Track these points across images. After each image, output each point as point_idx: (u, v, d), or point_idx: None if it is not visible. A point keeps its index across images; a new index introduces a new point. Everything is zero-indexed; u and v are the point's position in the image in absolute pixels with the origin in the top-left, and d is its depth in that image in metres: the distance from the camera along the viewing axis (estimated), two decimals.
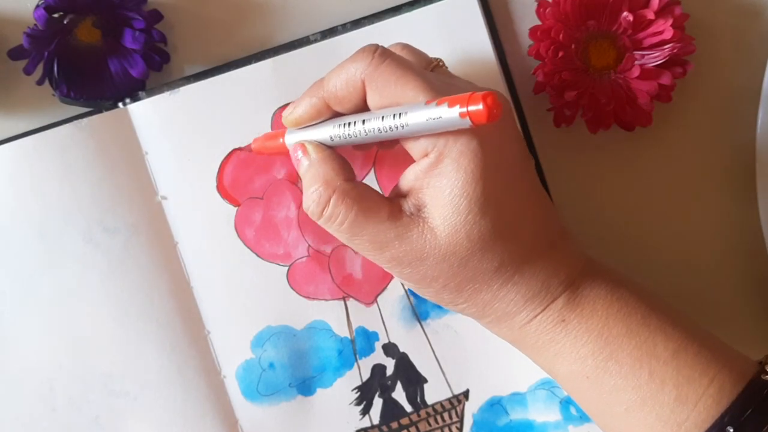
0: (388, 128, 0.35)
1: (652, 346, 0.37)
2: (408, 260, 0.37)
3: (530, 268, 0.37)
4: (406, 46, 0.39)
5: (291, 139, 0.40)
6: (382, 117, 0.35)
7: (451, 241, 0.36)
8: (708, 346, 0.37)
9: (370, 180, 0.45)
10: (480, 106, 0.32)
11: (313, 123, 0.39)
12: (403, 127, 0.35)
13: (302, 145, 0.39)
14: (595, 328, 0.37)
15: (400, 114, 0.35)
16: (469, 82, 0.40)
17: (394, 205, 0.37)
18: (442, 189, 0.35)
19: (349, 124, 0.37)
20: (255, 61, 0.44)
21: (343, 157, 0.38)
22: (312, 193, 0.37)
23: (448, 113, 0.33)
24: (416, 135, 0.36)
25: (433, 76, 0.37)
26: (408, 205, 0.37)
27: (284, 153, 0.41)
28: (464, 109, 0.32)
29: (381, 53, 0.36)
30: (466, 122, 0.32)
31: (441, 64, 0.40)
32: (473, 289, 0.37)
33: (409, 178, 0.37)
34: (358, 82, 0.36)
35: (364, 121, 0.36)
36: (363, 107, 0.37)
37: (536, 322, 0.38)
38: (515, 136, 0.38)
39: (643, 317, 0.37)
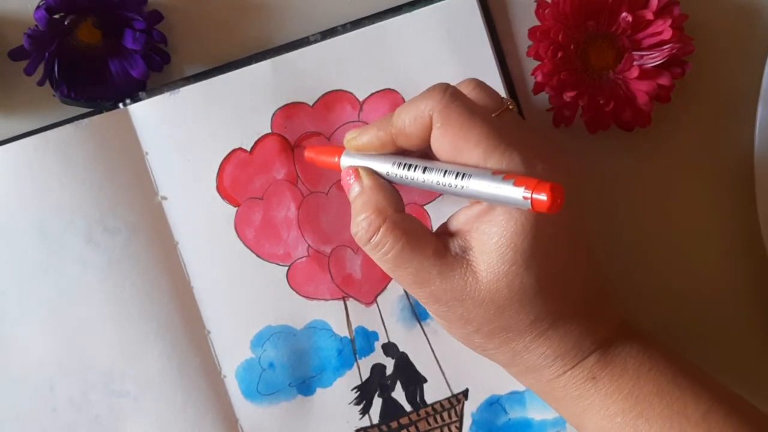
0: (446, 184, 0.35)
1: (682, 406, 0.37)
2: (446, 299, 0.37)
3: (565, 325, 0.37)
4: (479, 84, 0.39)
5: (347, 161, 0.40)
6: (445, 172, 0.35)
7: (491, 287, 0.36)
8: (737, 409, 0.37)
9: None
10: (544, 197, 0.32)
11: (374, 154, 0.39)
12: (462, 188, 0.35)
13: (355, 170, 0.39)
14: (625, 386, 0.37)
15: (463, 175, 0.35)
16: (534, 130, 0.40)
17: (440, 243, 0.37)
18: (491, 236, 0.35)
19: (410, 166, 0.37)
20: (255, 61, 0.44)
21: (394, 188, 0.39)
22: (362, 220, 0.37)
23: (511, 192, 0.33)
24: (472, 198, 0.36)
25: (500, 125, 0.37)
26: (455, 245, 0.37)
27: (335, 169, 0.41)
28: (528, 194, 0.32)
29: (452, 93, 0.36)
30: (526, 205, 0.32)
31: (511, 106, 0.39)
32: (505, 338, 0.37)
33: (459, 220, 0.37)
34: (426, 118, 0.36)
35: (425, 169, 0.36)
36: (428, 146, 0.37)
37: (565, 378, 0.38)
38: (572, 197, 0.38)
39: (674, 377, 0.38)
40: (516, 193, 0.33)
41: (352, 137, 0.40)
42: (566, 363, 0.38)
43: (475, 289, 0.36)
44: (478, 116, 0.36)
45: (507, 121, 0.38)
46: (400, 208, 0.38)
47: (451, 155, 0.36)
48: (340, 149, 0.41)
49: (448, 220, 0.38)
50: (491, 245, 0.35)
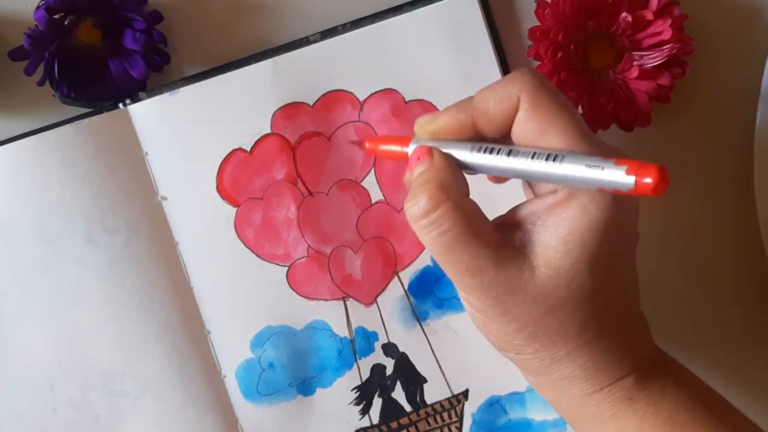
0: (536, 167, 0.33)
1: None
2: (496, 291, 0.34)
3: (609, 339, 0.35)
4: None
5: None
6: (533, 154, 0.33)
7: (548, 283, 0.34)
8: None
9: (370, 180, 0.45)
10: (650, 180, 0.30)
11: (450, 139, 0.36)
12: (554, 170, 0.32)
13: (428, 149, 0.36)
14: (664, 411, 0.36)
15: (555, 157, 0.32)
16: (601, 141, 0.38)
17: (499, 234, 0.35)
18: (560, 230, 0.34)
19: (492, 150, 0.34)
20: (255, 61, 0.44)
21: (465, 176, 0.36)
22: (421, 193, 0.34)
23: (612, 174, 0.31)
24: (561, 183, 0.33)
25: (584, 120, 0.35)
26: (515, 236, 0.35)
27: (402, 160, 0.38)
28: (632, 176, 0.30)
29: (541, 77, 0.35)
30: (627, 186, 0.30)
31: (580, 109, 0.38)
32: (549, 342, 0.35)
33: (524, 211, 0.35)
34: (514, 98, 0.34)
35: (510, 152, 0.34)
36: (507, 134, 0.36)
37: (601, 395, 0.36)
38: (637, 208, 0.37)
39: (712, 408, 0.36)
40: (618, 175, 0.30)
41: (425, 121, 0.37)
42: (604, 379, 0.36)
43: (531, 284, 0.34)
44: (567, 104, 0.35)
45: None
46: (468, 193, 0.35)
47: (535, 139, 0.34)
48: (407, 138, 0.37)
49: (508, 212, 0.37)
50: (558, 240, 0.34)
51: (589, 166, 0.31)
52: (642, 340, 0.38)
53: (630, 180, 0.30)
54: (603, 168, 0.31)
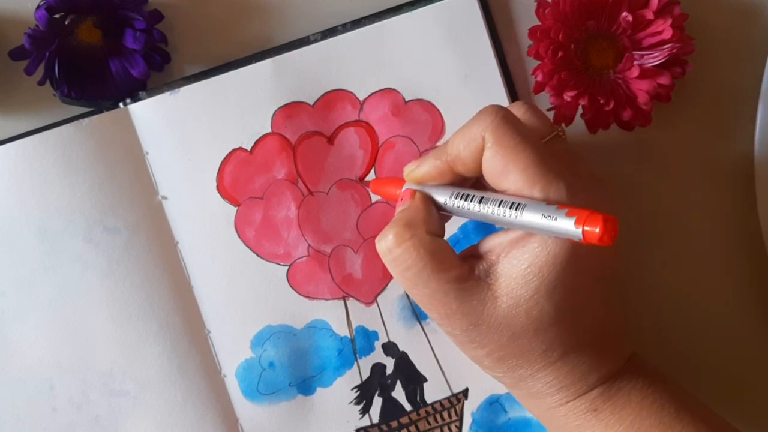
0: (501, 214, 0.35)
1: None
2: (460, 323, 0.37)
3: (575, 358, 0.37)
4: (530, 108, 0.39)
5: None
6: (500, 202, 0.36)
7: (508, 313, 0.36)
8: None
9: (371, 179, 0.45)
10: (596, 229, 0.32)
11: (434, 185, 0.39)
12: (516, 218, 0.35)
13: (412, 191, 0.39)
14: (627, 418, 0.37)
15: (518, 206, 0.35)
16: (580, 159, 0.40)
17: (464, 267, 0.37)
18: (521, 262, 0.35)
19: (467, 196, 0.37)
20: (255, 61, 0.44)
21: (438, 216, 0.38)
22: (388, 231, 0.37)
23: (563, 223, 0.33)
24: (524, 229, 0.35)
25: (549, 151, 0.36)
26: (479, 268, 0.37)
27: (394, 199, 0.41)
28: (580, 226, 0.32)
29: (504, 115, 0.36)
30: (577, 236, 0.33)
31: (561, 134, 0.39)
32: (515, 364, 0.37)
33: (491, 243, 0.37)
34: (479, 141, 0.36)
35: (481, 199, 0.36)
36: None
37: (567, 408, 0.38)
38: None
39: (677, 411, 0.37)
40: (568, 224, 0.33)
41: (410, 170, 0.39)
42: (570, 394, 0.38)
43: (493, 314, 0.36)
44: (529, 140, 0.36)
45: (556, 148, 0.38)
46: (435, 232, 0.37)
47: (500, 176, 0.36)
48: (401, 181, 0.40)
49: (478, 243, 0.38)
50: (519, 271, 0.35)
51: (545, 216, 0.34)
52: (615, 352, 0.39)
53: (578, 231, 0.32)
54: (555, 219, 0.33)
